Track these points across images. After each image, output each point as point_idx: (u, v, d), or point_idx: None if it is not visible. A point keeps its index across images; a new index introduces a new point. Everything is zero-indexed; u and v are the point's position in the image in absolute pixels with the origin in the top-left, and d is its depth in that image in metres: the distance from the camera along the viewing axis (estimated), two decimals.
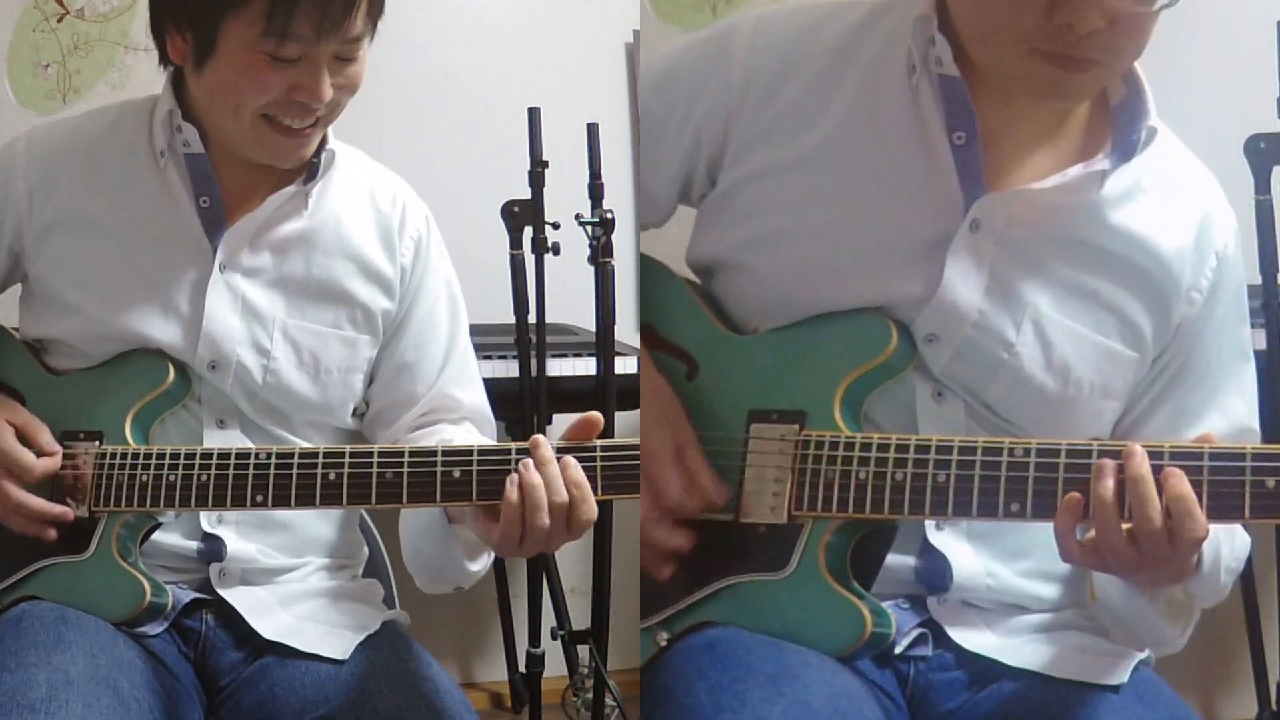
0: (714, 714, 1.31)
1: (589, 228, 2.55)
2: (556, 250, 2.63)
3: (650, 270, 1.60)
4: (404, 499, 1.45)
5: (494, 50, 3.10)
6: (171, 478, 1.53)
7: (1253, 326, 1.59)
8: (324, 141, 1.65)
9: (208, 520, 1.62)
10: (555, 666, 2.88)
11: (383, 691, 1.52)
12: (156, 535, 1.59)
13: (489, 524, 1.44)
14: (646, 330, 1.57)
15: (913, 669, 1.49)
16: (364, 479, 1.46)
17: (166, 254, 1.63)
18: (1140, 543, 1.28)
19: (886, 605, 1.42)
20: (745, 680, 1.34)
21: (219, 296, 1.61)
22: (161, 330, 1.61)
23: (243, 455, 1.51)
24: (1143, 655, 1.50)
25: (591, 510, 1.41)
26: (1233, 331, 1.53)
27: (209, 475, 1.51)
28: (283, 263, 1.65)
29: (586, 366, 2.69)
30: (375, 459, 1.46)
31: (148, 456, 1.54)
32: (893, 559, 1.46)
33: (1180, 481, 1.26)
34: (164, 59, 1.62)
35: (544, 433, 1.44)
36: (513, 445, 1.43)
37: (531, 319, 2.67)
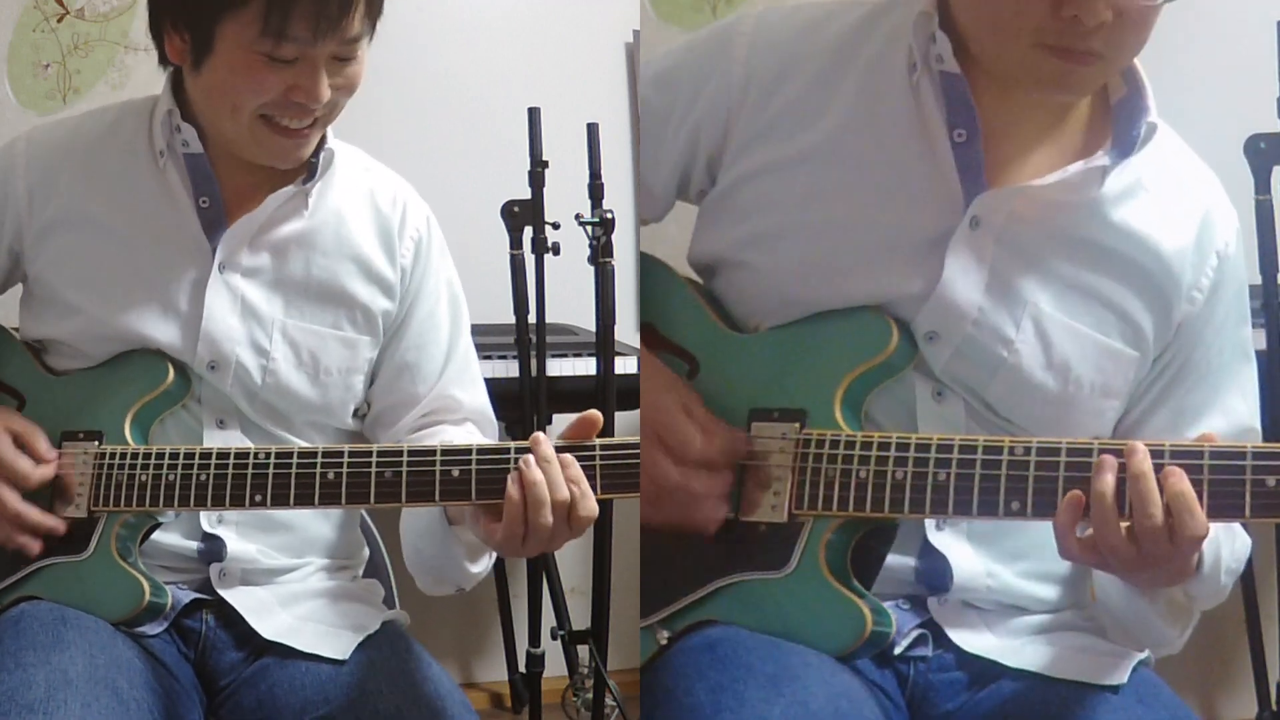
0: (713, 714, 1.31)
1: (589, 228, 2.55)
2: (556, 250, 2.63)
3: (650, 269, 1.60)
4: (403, 498, 1.45)
5: (494, 50, 3.10)
6: (171, 477, 1.52)
7: (1253, 326, 1.59)
8: (323, 141, 1.64)
9: (208, 520, 1.62)
10: (555, 666, 2.88)
11: (383, 692, 1.51)
12: (156, 535, 1.59)
13: (490, 525, 1.44)
14: (647, 329, 1.57)
15: (912, 669, 1.49)
16: (363, 478, 1.46)
17: (166, 254, 1.62)
18: (1140, 541, 1.28)
19: (887, 606, 1.42)
20: (745, 680, 1.34)
21: (218, 297, 1.61)
22: (161, 330, 1.61)
23: (241, 455, 1.51)
24: (1142, 656, 1.50)
25: (592, 507, 1.41)
26: (1234, 331, 1.53)
27: (208, 475, 1.51)
28: (282, 263, 1.64)
29: (586, 366, 2.70)
30: (374, 458, 1.46)
31: (147, 456, 1.54)
32: (893, 559, 1.46)
33: (1180, 480, 1.26)
34: (163, 59, 1.62)
35: (544, 433, 1.44)
36: (512, 444, 1.43)
37: (531, 319, 2.67)
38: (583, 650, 2.81)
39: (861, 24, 1.52)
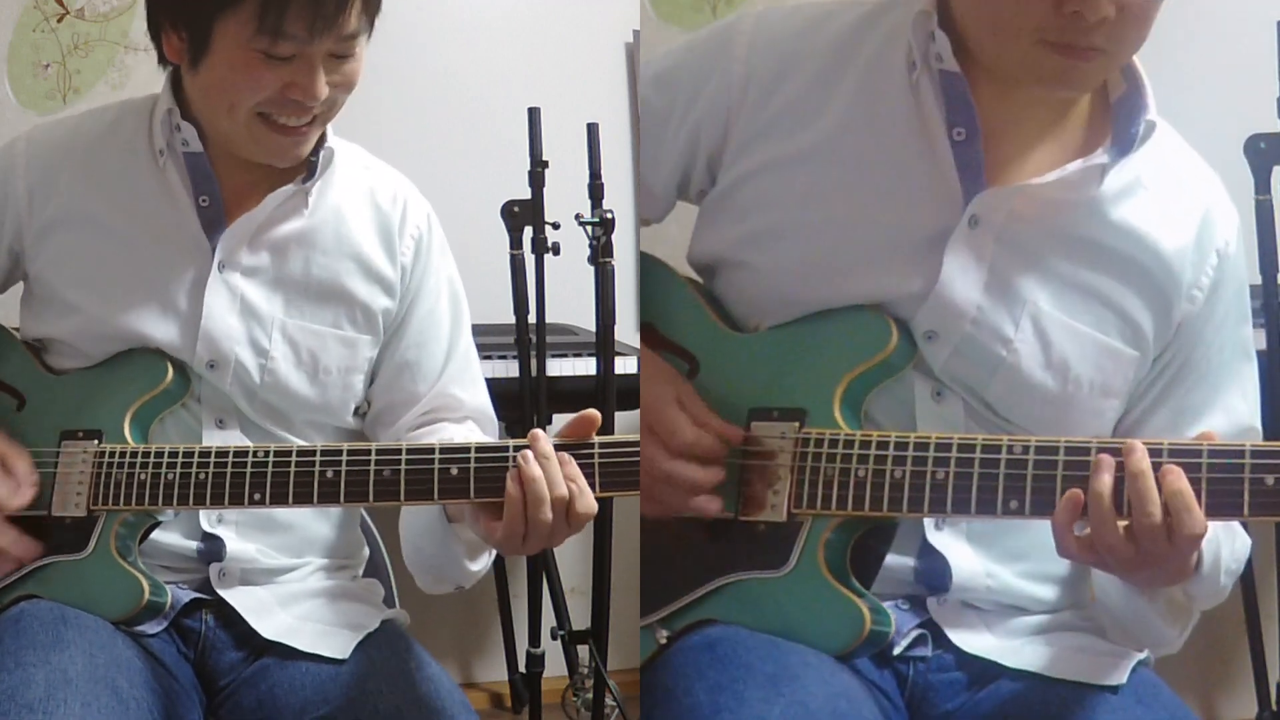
0: (712, 714, 1.31)
1: (589, 228, 2.55)
2: (556, 250, 2.63)
3: (651, 268, 1.60)
4: (401, 496, 1.45)
5: (494, 50, 3.10)
6: (170, 476, 1.52)
7: (1253, 327, 1.59)
8: (323, 139, 1.64)
9: (207, 520, 1.62)
10: (555, 666, 2.88)
11: (382, 691, 1.51)
12: (156, 535, 1.59)
13: (491, 523, 1.44)
14: (647, 329, 1.57)
15: (912, 670, 1.49)
16: (361, 477, 1.46)
17: (166, 253, 1.62)
18: (1138, 539, 1.28)
19: (886, 606, 1.42)
20: (744, 680, 1.34)
21: (217, 296, 1.61)
22: (160, 329, 1.61)
23: (240, 453, 1.51)
24: (1142, 656, 1.50)
25: (591, 503, 1.41)
26: (1234, 330, 1.53)
27: (207, 474, 1.51)
28: (282, 262, 1.64)
29: (586, 366, 2.70)
30: (373, 457, 1.46)
31: (146, 455, 1.54)
32: (892, 559, 1.46)
33: (1178, 478, 1.26)
34: (162, 58, 1.62)
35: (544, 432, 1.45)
36: (510, 442, 1.43)
37: (531, 319, 2.67)
38: (583, 650, 2.81)
39: (861, 23, 1.52)
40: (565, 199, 2.62)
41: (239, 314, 1.62)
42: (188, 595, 1.62)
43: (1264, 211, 2.38)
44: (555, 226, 2.62)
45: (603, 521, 2.66)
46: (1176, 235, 1.47)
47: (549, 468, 1.40)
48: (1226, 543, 1.43)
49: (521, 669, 2.91)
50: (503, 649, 2.98)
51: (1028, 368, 1.45)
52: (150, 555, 1.60)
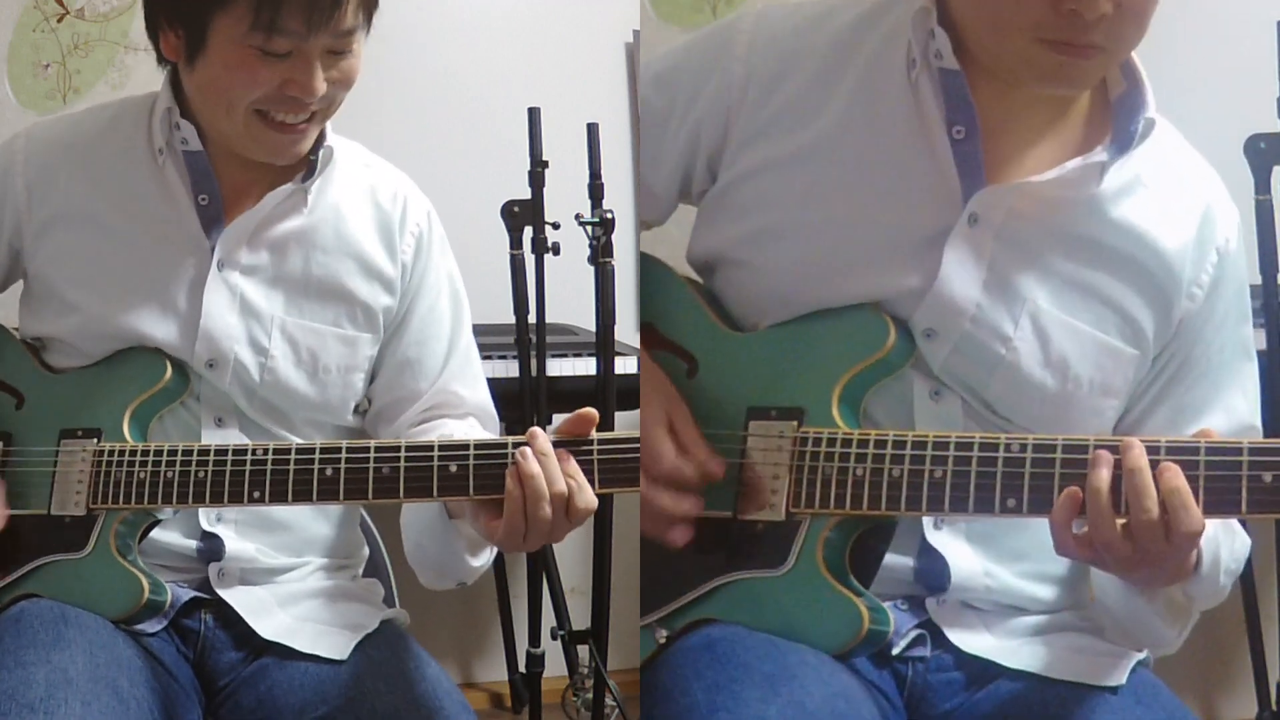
0: (710, 713, 1.31)
1: (589, 228, 2.55)
2: (556, 250, 2.63)
3: (650, 268, 1.60)
4: (401, 494, 1.45)
5: (494, 50, 3.11)
6: (169, 474, 1.52)
7: (1253, 326, 1.58)
8: (322, 137, 1.64)
9: (207, 519, 1.62)
10: (555, 666, 2.88)
11: (381, 691, 1.51)
12: (155, 534, 1.59)
13: (491, 521, 1.44)
14: (647, 329, 1.57)
15: (911, 670, 1.49)
16: (361, 474, 1.46)
17: (165, 252, 1.62)
18: (1136, 537, 1.27)
19: (885, 606, 1.42)
20: (742, 680, 1.34)
21: (217, 294, 1.61)
22: (159, 328, 1.61)
23: (240, 451, 1.51)
24: (1141, 656, 1.50)
25: (590, 499, 1.41)
26: (1234, 328, 1.52)
27: (206, 472, 1.51)
28: (281, 261, 1.64)
29: (586, 366, 2.70)
30: (372, 454, 1.46)
31: (145, 453, 1.54)
32: (891, 559, 1.46)
33: (1176, 475, 1.26)
34: (161, 57, 1.62)
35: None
36: (509, 439, 1.43)
37: (531, 319, 2.67)
38: (583, 650, 2.81)
39: (861, 21, 1.51)
40: (565, 199, 2.62)
41: (238, 313, 1.62)
42: (187, 594, 1.62)
43: (1264, 211, 2.38)
44: (555, 226, 2.62)
45: (603, 521, 2.66)
46: (1176, 233, 1.47)
47: (547, 464, 1.40)
48: (1226, 542, 1.43)
49: (521, 669, 2.91)
50: (503, 649, 2.98)
51: (1027, 366, 1.45)
52: (149, 554, 1.59)
